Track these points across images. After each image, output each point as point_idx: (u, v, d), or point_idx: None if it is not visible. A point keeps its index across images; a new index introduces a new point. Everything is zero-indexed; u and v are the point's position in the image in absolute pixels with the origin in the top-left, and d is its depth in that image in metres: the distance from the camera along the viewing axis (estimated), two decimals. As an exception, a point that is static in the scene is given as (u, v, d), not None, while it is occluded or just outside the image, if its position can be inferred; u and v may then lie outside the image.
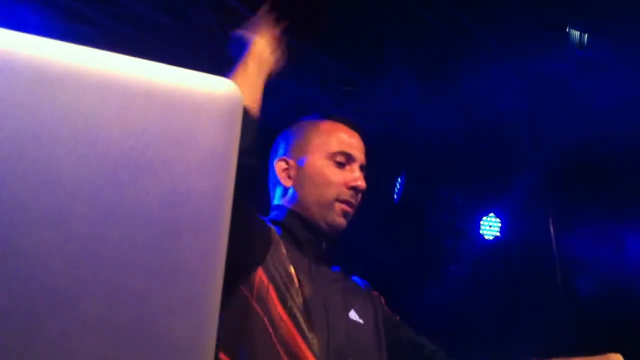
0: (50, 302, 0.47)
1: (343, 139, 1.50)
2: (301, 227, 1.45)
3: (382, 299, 1.60)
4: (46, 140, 0.48)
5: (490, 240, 4.47)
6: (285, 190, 1.49)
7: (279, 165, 1.50)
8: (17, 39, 0.49)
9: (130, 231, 0.49)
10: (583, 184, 4.00)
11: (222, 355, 1.25)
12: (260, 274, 1.32)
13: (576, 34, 3.20)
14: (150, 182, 0.50)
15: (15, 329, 0.46)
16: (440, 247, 4.49)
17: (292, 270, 1.37)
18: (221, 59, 1.49)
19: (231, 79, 0.56)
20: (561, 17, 3.19)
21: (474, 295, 4.32)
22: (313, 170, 1.46)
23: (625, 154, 3.63)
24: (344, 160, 1.47)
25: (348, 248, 2.18)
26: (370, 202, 1.60)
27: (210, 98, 0.53)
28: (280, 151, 1.53)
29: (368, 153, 1.54)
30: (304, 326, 1.31)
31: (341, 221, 1.46)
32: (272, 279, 1.33)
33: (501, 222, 4.47)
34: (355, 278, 1.60)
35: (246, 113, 1.19)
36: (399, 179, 4.12)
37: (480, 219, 4.49)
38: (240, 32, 1.41)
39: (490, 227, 4.49)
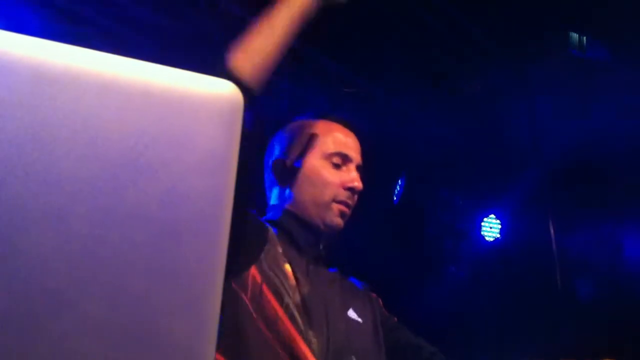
0: (50, 302, 0.47)
1: (339, 139, 1.49)
2: (298, 228, 1.45)
3: (380, 300, 1.59)
4: (46, 141, 0.48)
5: (490, 241, 4.48)
6: (282, 190, 1.49)
7: (275, 166, 1.50)
8: (16, 40, 0.49)
9: (130, 232, 0.49)
10: (583, 184, 4.00)
11: (217, 356, 1.24)
12: (253, 273, 1.31)
13: (575, 36, 3.21)
14: (150, 183, 0.51)
15: (15, 329, 0.46)
16: (440, 247, 4.49)
17: (288, 268, 1.36)
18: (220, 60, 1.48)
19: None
20: (561, 19, 3.19)
21: (474, 296, 4.32)
22: (310, 171, 1.46)
23: (625, 155, 3.63)
24: (340, 161, 1.46)
25: (348, 248, 2.17)
26: (370, 202, 1.59)
27: (209, 99, 0.53)
28: (276, 152, 1.52)
29: (364, 153, 1.54)
30: (302, 324, 1.30)
31: (338, 221, 1.45)
32: (265, 277, 1.31)
33: (501, 224, 4.47)
34: (353, 279, 1.60)
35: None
36: (399, 180, 4.12)
37: (481, 220, 4.49)
38: None
39: (490, 228, 4.50)
